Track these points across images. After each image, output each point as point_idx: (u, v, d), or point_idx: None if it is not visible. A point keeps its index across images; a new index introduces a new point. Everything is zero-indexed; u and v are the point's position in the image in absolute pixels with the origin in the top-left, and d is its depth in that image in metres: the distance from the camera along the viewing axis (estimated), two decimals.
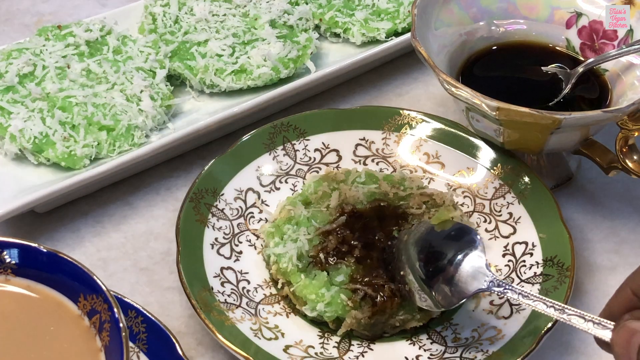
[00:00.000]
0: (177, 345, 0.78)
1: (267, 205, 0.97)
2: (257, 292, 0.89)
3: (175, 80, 1.10)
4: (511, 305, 0.87)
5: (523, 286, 0.88)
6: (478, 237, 0.82)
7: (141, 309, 0.81)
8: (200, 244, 0.90)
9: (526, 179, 0.95)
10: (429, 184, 0.99)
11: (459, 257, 0.82)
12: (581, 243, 0.98)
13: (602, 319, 0.67)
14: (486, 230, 0.95)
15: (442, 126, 1.01)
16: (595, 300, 0.92)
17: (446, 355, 0.83)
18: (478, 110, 0.90)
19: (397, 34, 1.15)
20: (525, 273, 0.89)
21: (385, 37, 1.14)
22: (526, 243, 0.92)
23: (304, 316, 0.87)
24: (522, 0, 1.04)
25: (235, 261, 0.91)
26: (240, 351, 0.80)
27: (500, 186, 0.96)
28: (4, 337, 0.68)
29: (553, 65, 1.01)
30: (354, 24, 1.15)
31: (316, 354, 0.84)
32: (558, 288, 0.85)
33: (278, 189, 0.98)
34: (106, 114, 1.00)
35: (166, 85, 1.06)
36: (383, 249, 0.87)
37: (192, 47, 1.09)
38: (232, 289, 0.88)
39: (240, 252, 0.92)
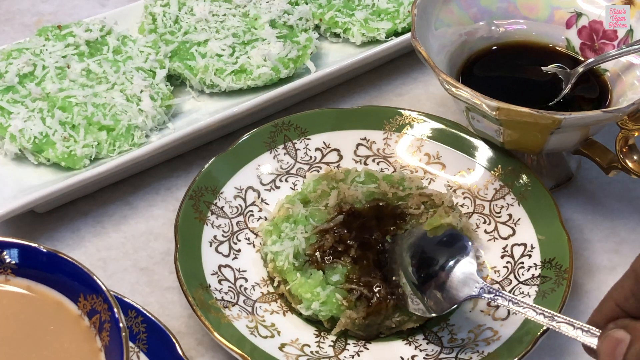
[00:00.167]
0: (177, 345, 0.79)
1: (266, 203, 0.97)
2: (254, 290, 0.89)
3: (175, 80, 1.10)
4: None
5: (521, 287, 0.88)
6: (469, 243, 0.83)
7: (141, 309, 0.81)
8: (198, 241, 0.90)
9: (526, 181, 0.95)
10: (429, 184, 0.99)
11: (451, 263, 0.83)
12: (581, 243, 0.98)
13: (590, 327, 0.68)
14: (485, 231, 0.95)
15: (443, 127, 1.01)
16: (595, 300, 0.91)
17: (442, 355, 0.83)
18: (478, 110, 0.90)
19: (397, 34, 1.15)
20: (523, 274, 0.89)
21: (385, 37, 1.14)
22: (525, 245, 0.92)
23: (301, 315, 0.87)
24: (522, 0, 1.04)
25: (233, 259, 0.91)
26: (236, 349, 0.80)
27: (501, 187, 0.96)
28: (4, 337, 0.68)
29: (553, 65, 1.01)
30: (354, 24, 1.15)
31: (312, 352, 0.84)
32: (555, 290, 0.85)
33: (278, 187, 0.99)
34: (106, 114, 1.00)
35: (166, 85, 1.06)
36: (379, 250, 0.88)
37: (192, 47, 1.09)
38: (229, 286, 0.88)
39: (239, 250, 0.92)
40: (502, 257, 0.92)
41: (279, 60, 1.07)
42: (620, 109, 0.87)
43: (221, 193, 0.95)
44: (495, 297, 0.78)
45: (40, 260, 0.70)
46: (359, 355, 0.84)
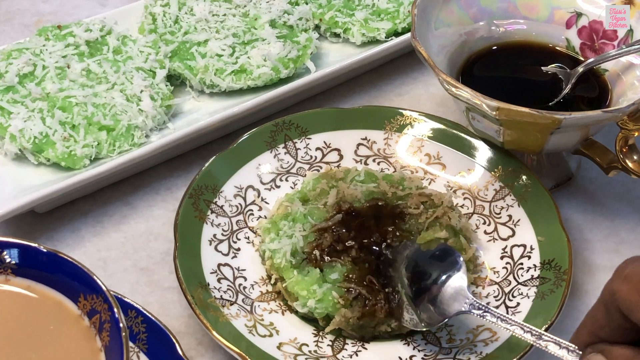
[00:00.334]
0: (177, 345, 0.78)
1: (266, 202, 0.97)
2: (253, 289, 0.89)
3: (175, 80, 1.10)
4: (507, 308, 0.87)
5: (520, 288, 0.88)
6: (461, 259, 0.84)
7: (141, 309, 0.81)
8: (198, 240, 0.90)
9: (526, 182, 0.95)
10: (429, 185, 0.99)
11: (443, 277, 0.83)
12: (581, 243, 0.98)
13: (575, 347, 0.69)
14: (485, 232, 0.95)
15: (444, 127, 1.02)
16: (595, 301, 0.92)
17: (440, 356, 0.83)
18: (478, 110, 0.90)
19: (397, 34, 1.15)
20: (522, 276, 0.89)
21: (385, 37, 1.14)
22: (524, 246, 0.92)
23: (299, 314, 0.87)
24: (522, 0, 1.04)
25: (232, 258, 0.91)
26: (233, 347, 0.80)
27: (501, 188, 0.96)
28: (4, 337, 0.68)
29: (553, 65, 1.01)
30: (354, 24, 1.15)
31: (310, 352, 0.84)
32: (554, 291, 0.85)
33: (278, 186, 0.99)
34: (106, 114, 1.00)
35: (166, 85, 1.06)
36: (379, 254, 0.88)
37: (192, 47, 1.09)
38: (228, 285, 0.88)
39: (238, 249, 0.92)
40: (502, 258, 0.92)
41: (279, 60, 1.07)
42: (620, 109, 0.87)
43: (221, 192, 0.95)
44: (484, 314, 0.79)
45: (40, 260, 0.70)
46: (357, 355, 0.84)
